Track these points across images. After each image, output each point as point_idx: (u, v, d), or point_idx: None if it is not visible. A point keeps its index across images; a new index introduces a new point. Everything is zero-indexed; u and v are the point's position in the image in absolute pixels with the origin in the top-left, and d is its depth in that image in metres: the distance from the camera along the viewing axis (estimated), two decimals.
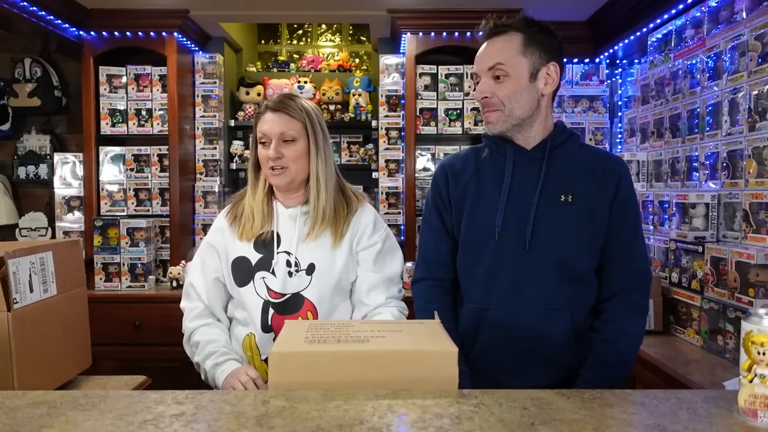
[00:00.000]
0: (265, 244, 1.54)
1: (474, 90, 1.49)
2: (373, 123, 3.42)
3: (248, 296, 1.53)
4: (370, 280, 1.55)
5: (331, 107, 3.53)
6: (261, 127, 1.53)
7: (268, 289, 1.52)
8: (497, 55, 1.39)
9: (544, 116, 1.45)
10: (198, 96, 3.34)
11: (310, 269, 1.52)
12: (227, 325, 1.61)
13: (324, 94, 3.52)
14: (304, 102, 1.56)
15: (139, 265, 3.06)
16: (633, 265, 1.43)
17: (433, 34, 3.15)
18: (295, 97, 1.57)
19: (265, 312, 1.51)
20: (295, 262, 1.53)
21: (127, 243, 3.06)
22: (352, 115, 3.47)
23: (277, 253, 1.53)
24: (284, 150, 1.50)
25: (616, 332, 1.40)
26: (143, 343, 2.91)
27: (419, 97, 3.22)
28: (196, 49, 3.35)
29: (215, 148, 3.36)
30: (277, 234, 1.55)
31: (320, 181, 1.54)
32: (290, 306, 1.51)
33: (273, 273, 1.52)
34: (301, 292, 1.52)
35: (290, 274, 1.52)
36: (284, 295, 1.52)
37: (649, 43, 2.76)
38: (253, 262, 1.54)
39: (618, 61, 3.31)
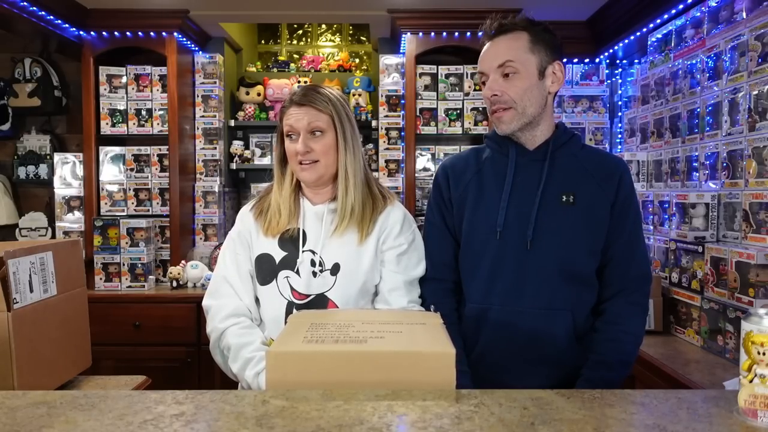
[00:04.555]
0: (291, 241, 1.48)
1: (478, 89, 1.48)
2: (373, 123, 3.42)
3: (271, 296, 1.47)
4: (393, 281, 1.48)
5: None
6: (287, 121, 1.45)
7: (292, 289, 1.46)
8: (507, 53, 1.39)
9: (549, 115, 1.46)
10: (198, 96, 3.34)
11: (335, 269, 1.46)
12: (259, 323, 1.51)
13: None
14: (330, 93, 1.48)
15: (139, 265, 3.06)
16: (634, 266, 1.44)
17: (433, 34, 3.15)
18: (321, 88, 1.49)
19: (288, 313, 1.44)
20: (320, 261, 1.46)
21: (127, 243, 3.06)
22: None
23: (302, 251, 1.47)
24: (312, 143, 1.43)
25: (617, 332, 1.40)
26: (143, 343, 2.91)
27: (419, 97, 3.22)
28: (196, 49, 3.35)
29: (215, 148, 3.36)
30: (303, 231, 1.48)
31: (349, 175, 1.47)
32: (314, 307, 1.45)
33: (297, 273, 1.46)
34: (325, 293, 1.45)
35: (314, 274, 1.45)
36: (308, 296, 1.45)
37: (649, 43, 2.76)
38: (277, 260, 1.47)
39: (618, 61, 3.31)
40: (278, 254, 1.48)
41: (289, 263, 1.47)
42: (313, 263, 1.46)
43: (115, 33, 3.11)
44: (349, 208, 1.47)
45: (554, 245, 1.40)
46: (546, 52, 1.40)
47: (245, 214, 1.57)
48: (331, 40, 4.38)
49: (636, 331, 1.43)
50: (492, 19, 1.43)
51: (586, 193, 1.41)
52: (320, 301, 1.45)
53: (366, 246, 1.47)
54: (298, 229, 1.49)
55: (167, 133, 3.16)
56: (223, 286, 1.50)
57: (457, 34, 3.13)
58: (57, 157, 3.22)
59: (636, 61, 3.11)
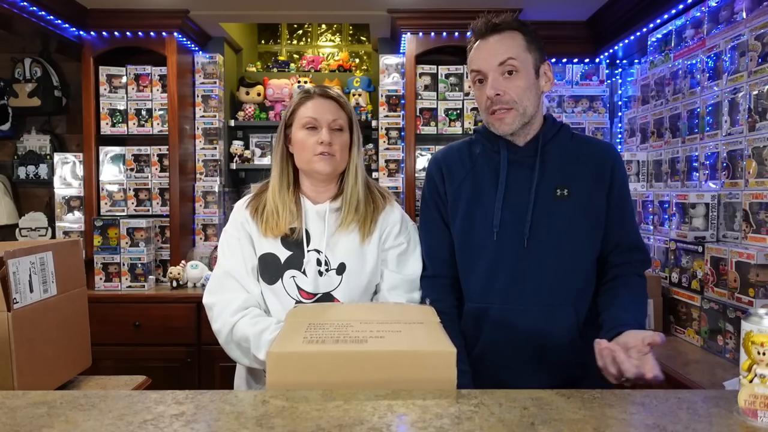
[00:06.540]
0: (295, 240, 1.48)
1: (474, 87, 1.48)
2: (373, 123, 3.42)
3: (278, 295, 1.48)
4: (393, 280, 1.51)
5: None
6: (305, 111, 1.47)
7: (300, 288, 1.47)
8: (508, 51, 1.38)
9: (541, 114, 1.48)
10: (198, 96, 3.34)
11: (341, 269, 1.48)
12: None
13: None
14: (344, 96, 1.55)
15: (139, 265, 3.06)
16: (641, 250, 1.48)
17: (433, 34, 3.15)
18: (336, 88, 1.56)
19: None
20: (325, 260, 1.48)
21: (127, 243, 3.06)
22: None
23: (308, 251, 1.48)
24: (334, 138, 1.46)
25: (632, 293, 1.40)
26: (143, 343, 2.90)
27: (419, 97, 3.22)
28: (196, 49, 3.35)
29: (215, 148, 3.36)
30: (307, 231, 1.49)
31: (358, 174, 1.51)
32: None
33: (304, 273, 1.47)
34: (331, 292, 1.47)
35: (320, 273, 1.47)
36: (316, 295, 1.47)
37: (649, 43, 2.76)
38: (282, 260, 1.48)
39: (618, 61, 3.31)
40: (283, 254, 1.48)
41: (295, 263, 1.47)
42: (318, 263, 1.47)
43: (115, 33, 3.11)
44: (354, 203, 1.50)
45: (552, 240, 1.40)
46: (539, 52, 1.42)
47: (242, 211, 1.54)
48: (331, 40, 4.37)
49: (645, 300, 1.46)
50: (485, 18, 1.42)
51: (580, 184, 1.42)
52: (326, 300, 1.47)
53: (369, 246, 1.50)
54: (301, 228, 1.49)
55: (167, 133, 3.16)
56: (227, 281, 1.48)
57: (457, 34, 3.13)
58: (57, 157, 3.22)
59: (636, 61, 3.11)
